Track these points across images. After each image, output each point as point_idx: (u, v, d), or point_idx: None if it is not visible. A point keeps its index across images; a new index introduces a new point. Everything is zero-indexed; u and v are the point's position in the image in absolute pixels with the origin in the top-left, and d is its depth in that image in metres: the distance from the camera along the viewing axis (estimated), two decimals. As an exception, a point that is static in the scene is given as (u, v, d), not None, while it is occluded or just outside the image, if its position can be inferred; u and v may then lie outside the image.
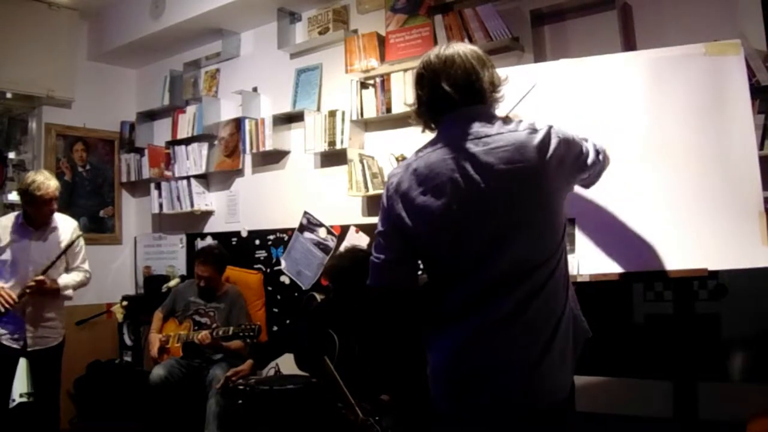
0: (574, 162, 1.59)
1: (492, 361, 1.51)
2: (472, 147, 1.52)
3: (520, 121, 1.56)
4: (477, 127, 1.55)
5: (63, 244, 3.46)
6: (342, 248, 3.85)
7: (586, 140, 1.66)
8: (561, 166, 1.53)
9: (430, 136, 1.67)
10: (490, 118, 1.58)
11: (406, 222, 1.56)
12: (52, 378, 3.52)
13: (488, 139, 1.52)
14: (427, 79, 1.60)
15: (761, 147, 2.51)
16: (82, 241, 3.61)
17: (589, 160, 1.64)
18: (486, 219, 1.50)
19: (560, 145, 1.52)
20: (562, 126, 1.58)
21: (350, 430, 2.66)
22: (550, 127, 1.55)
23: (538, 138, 1.50)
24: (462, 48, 1.60)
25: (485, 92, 1.59)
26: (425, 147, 1.62)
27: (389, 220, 1.61)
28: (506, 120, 1.58)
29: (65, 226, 3.53)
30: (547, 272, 1.51)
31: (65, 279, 3.46)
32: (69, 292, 3.51)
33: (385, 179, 3.71)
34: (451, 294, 1.56)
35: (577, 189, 1.75)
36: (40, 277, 3.30)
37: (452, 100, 1.57)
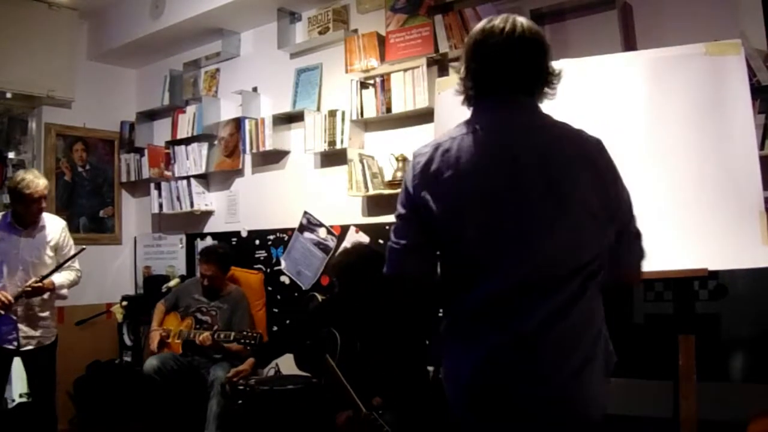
0: (616, 194, 1.50)
1: (528, 370, 1.37)
2: (520, 134, 1.44)
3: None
4: (524, 116, 1.47)
5: (52, 243, 3.48)
6: (348, 244, 3.85)
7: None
8: (605, 183, 1.47)
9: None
10: (536, 110, 1.50)
11: (431, 206, 1.44)
12: (47, 378, 3.53)
13: (537, 128, 1.46)
14: (483, 52, 1.46)
15: (761, 147, 2.50)
16: (71, 241, 3.63)
17: (628, 217, 1.56)
18: (529, 208, 1.39)
19: (611, 163, 1.49)
20: None
21: (353, 425, 2.67)
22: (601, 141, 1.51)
23: (594, 139, 1.48)
24: (528, 25, 1.47)
25: (540, 83, 1.50)
26: (458, 128, 1.50)
27: (412, 202, 1.48)
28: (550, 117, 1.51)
29: (54, 225, 3.55)
30: (590, 276, 1.40)
31: (59, 279, 3.47)
32: (64, 291, 3.54)
33: (386, 178, 3.72)
34: (477, 291, 1.41)
35: None
36: (40, 284, 3.34)
37: (505, 82, 1.46)
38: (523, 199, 1.39)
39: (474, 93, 1.50)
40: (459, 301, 1.46)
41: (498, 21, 1.47)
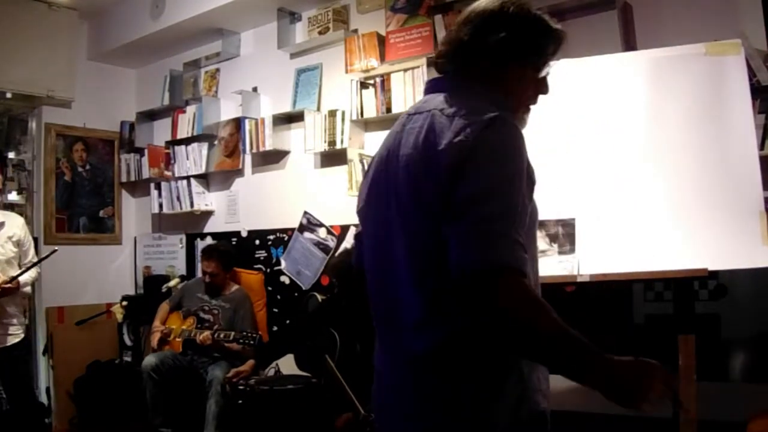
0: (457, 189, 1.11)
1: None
2: (402, 126, 1.27)
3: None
4: (425, 101, 1.26)
5: (15, 239, 3.50)
6: (348, 245, 3.86)
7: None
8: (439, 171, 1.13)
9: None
10: (448, 91, 1.23)
11: None
12: (22, 377, 3.53)
13: (406, 119, 1.27)
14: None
15: (761, 147, 2.50)
16: (30, 237, 3.68)
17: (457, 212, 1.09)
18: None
19: (469, 151, 1.11)
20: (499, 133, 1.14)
21: (353, 427, 2.67)
22: (492, 120, 1.13)
23: (462, 123, 1.14)
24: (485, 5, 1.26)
25: (468, 56, 1.25)
26: None
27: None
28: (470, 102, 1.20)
29: (12, 222, 3.58)
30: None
31: (24, 277, 3.49)
32: (27, 288, 3.56)
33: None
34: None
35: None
36: (8, 285, 3.34)
37: (440, 59, 1.32)
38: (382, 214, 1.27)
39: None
40: None
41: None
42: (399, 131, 1.27)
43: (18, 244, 3.52)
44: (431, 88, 1.31)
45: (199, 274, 4.47)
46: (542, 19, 1.31)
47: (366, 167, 1.49)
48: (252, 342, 3.65)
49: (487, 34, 1.24)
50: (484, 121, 1.12)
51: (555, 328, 1.04)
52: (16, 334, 3.48)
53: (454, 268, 1.06)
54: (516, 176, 1.11)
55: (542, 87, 1.34)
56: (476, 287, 1.04)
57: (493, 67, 1.25)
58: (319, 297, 3.77)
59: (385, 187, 1.24)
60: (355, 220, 4.25)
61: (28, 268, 3.46)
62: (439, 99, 1.22)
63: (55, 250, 3.68)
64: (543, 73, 1.33)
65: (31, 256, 3.62)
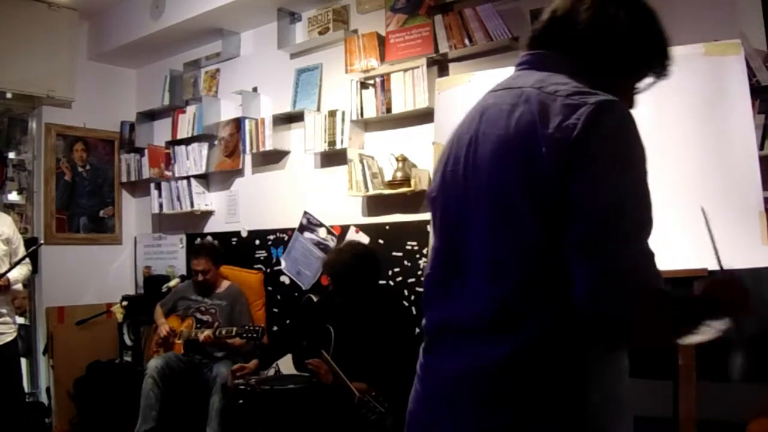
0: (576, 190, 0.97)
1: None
2: (492, 103, 1.13)
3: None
4: (511, 79, 1.16)
5: (3, 237, 3.50)
6: (342, 243, 3.87)
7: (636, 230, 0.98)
8: (550, 160, 0.98)
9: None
10: (550, 68, 1.11)
11: None
12: (12, 377, 3.52)
13: (501, 93, 1.13)
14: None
15: (761, 147, 2.50)
16: (19, 235, 3.68)
17: (582, 231, 0.96)
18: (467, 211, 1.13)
19: (585, 137, 0.97)
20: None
21: (348, 409, 2.71)
22: (601, 104, 0.99)
23: (574, 101, 1.00)
24: None
25: (574, 38, 1.11)
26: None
27: None
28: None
29: (0, 220, 3.57)
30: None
31: (14, 274, 3.48)
32: (18, 286, 3.56)
33: (386, 178, 3.71)
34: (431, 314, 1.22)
35: None
36: (1, 282, 3.34)
37: (536, 36, 1.18)
38: (460, 191, 1.13)
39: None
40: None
41: None
42: (481, 110, 1.14)
43: (7, 242, 3.52)
44: (527, 63, 1.16)
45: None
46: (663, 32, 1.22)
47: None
48: (254, 335, 3.65)
49: (600, 19, 1.11)
50: (599, 102, 0.98)
51: (678, 329, 1.06)
52: (8, 333, 3.48)
53: (581, 303, 0.95)
54: (645, 171, 0.99)
55: (630, 98, 1.19)
56: (606, 321, 0.95)
57: (605, 62, 1.11)
58: (315, 298, 3.77)
59: (463, 171, 1.11)
60: (356, 219, 4.21)
61: (15, 265, 3.45)
62: (536, 76, 1.09)
63: (41, 244, 3.69)
64: (638, 85, 1.20)
65: (21, 254, 3.62)
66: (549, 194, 0.97)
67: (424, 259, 3.61)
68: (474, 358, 1.05)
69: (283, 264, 4.32)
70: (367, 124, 3.92)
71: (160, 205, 4.94)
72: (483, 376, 1.04)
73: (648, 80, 1.17)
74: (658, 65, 1.17)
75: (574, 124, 0.96)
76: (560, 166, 0.96)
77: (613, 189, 0.95)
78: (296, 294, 4.21)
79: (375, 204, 3.85)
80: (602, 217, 0.94)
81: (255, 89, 4.58)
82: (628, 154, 0.98)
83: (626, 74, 1.15)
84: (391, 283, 3.73)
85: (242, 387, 3.38)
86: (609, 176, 0.95)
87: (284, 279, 4.31)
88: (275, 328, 4.30)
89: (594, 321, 0.96)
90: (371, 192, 3.70)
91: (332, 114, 3.93)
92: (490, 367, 1.03)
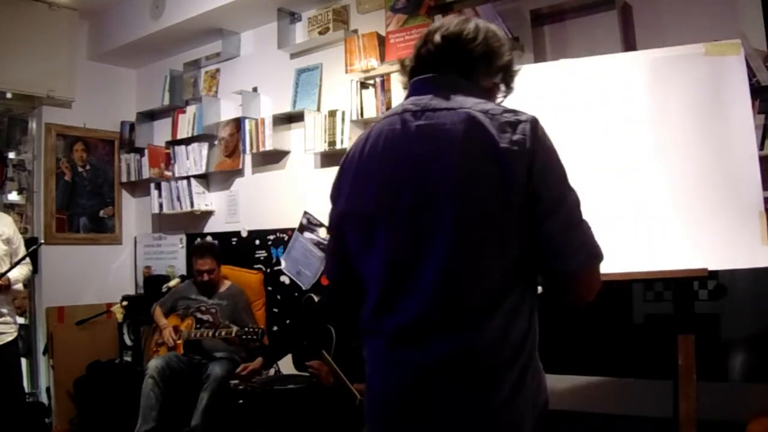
0: (533, 190, 1.21)
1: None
2: (419, 118, 1.28)
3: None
4: (437, 97, 1.30)
5: (4, 237, 3.49)
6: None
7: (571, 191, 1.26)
8: (517, 172, 1.20)
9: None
10: (459, 89, 1.31)
11: (338, 204, 1.43)
12: (12, 377, 3.52)
13: (441, 110, 1.27)
14: (423, 34, 1.39)
15: (761, 147, 2.50)
16: (19, 235, 3.67)
17: (556, 219, 1.22)
18: (418, 219, 1.26)
19: (533, 150, 1.21)
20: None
21: (349, 410, 2.71)
22: (534, 120, 1.25)
23: (515, 119, 1.23)
24: (479, 21, 1.38)
25: (472, 64, 1.33)
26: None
27: (332, 200, 1.47)
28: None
29: (1, 220, 3.56)
30: (501, 295, 1.25)
31: (14, 274, 3.47)
32: (19, 286, 3.54)
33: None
34: (385, 322, 1.32)
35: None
36: (1, 282, 3.34)
37: (433, 60, 1.34)
38: (417, 200, 1.25)
39: (409, 73, 1.41)
40: (368, 318, 1.34)
41: (449, 19, 1.42)
42: (406, 130, 1.29)
43: (8, 242, 3.52)
44: (433, 84, 1.34)
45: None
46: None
47: (342, 167, 1.45)
48: (255, 337, 3.65)
49: (492, 49, 1.35)
50: (531, 119, 1.24)
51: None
52: (8, 333, 3.48)
53: (559, 269, 1.23)
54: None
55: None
56: (576, 281, 1.26)
57: (487, 77, 1.36)
58: (315, 298, 3.78)
59: (412, 186, 1.25)
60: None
61: (15, 264, 3.45)
62: (458, 98, 1.29)
63: (41, 244, 3.68)
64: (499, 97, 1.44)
65: (21, 254, 3.61)
66: (521, 193, 1.19)
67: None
68: (461, 342, 1.22)
69: (283, 264, 4.32)
70: (367, 124, 3.92)
71: (160, 205, 4.94)
72: (480, 350, 1.22)
73: (502, 94, 1.42)
74: (512, 81, 1.42)
75: (522, 139, 1.21)
76: (525, 172, 1.20)
77: (559, 177, 1.25)
78: (296, 294, 4.21)
79: (375, 204, 3.85)
80: (565, 201, 1.23)
81: (255, 89, 4.58)
82: (557, 152, 1.26)
83: (498, 90, 1.40)
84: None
85: (241, 387, 3.39)
86: (556, 169, 1.25)
87: (284, 279, 4.31)
88: (275, 328, 4.31)
89: (574, 281, 1.26)
90: (371, 192, 3.69)
91: (332, 114, 3.93)
92: (482, 343, 1.22)
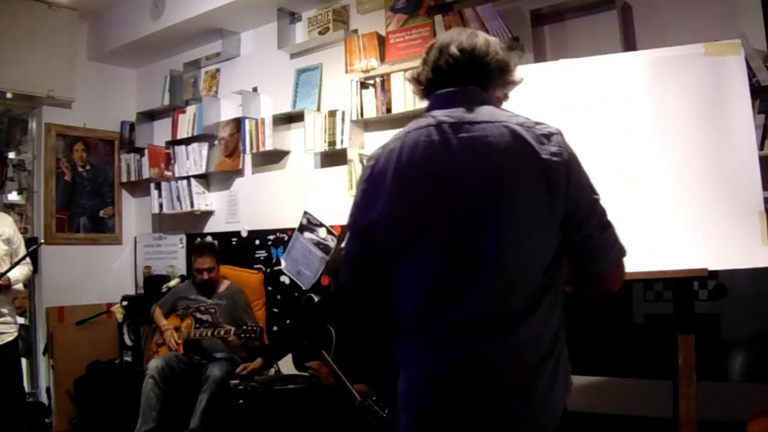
0: (569, 198, 1.33)
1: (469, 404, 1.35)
2: (461, 130, 1.35)
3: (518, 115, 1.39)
4: (470, 109, 1.38)
5: (4, 237, 3.49)
6: (344, 243, 3.86)
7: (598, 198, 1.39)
8: (559, 181, 1.31)
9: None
10: (487, 102, 1.40)
11: (371, 212, 1.43)
12: (12, 377, 3.51)
13: (481, 122, 1.35)
14: (436, 48, 1.45)
15: (761, 147, 2.50)
16: (19, 235, 3.67)
17: (593, 223, 1.36)
18: (478, 221, 1.33)
19: (565, 161, 1.32)
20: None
21: (349, 411, 2.71)
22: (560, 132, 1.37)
23: (548, 131, 1.34)
24: (484, 34, 1.47)
25: (490, 76, 1.42)
26: (408, 126, 1.44)
27: (356, 209, 1.50)
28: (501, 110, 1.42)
29: (1, 220, 3.56)
30: (542, 292, 1.34)
31: (15, 274, 3.46)
32: (19, 286, 3.54)
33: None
34: (430, 323, 1.38)
35: None
36: (1, 281, 3.33)
37: (453, 73, 1.41)
38: (467, 207, 1.32)
39: (425, 87, 1.47)
40: (412, 319, 1.40)
41: (456, 33, 1.48)
42: (446, 141, 1.35)
43: (8, 242, 3.51)
44: (459, 99, 1.41)
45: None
46: None
47: (372, 176, 1.46)
48: (253, 335, 3.65)
49: (503, 63, 1.45)
50: (560, 131, 1.36)
51: None
52: (8, 333, 3.47)
53: (596, 266, 1.38)
54: None
55: None
56: (612, 275, 1.41)
57: (500, 89, 1.47)
58: (315, 298, 3.78)
59: (461, 195, 1.33)
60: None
61: (15, 264, 3.44)
62: (489, 110, 1.38)
63: (41, 243, 3.68)
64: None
65: (22, 254, 3.61)
66: (561, 200, 1.31)
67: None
68: (503, 341, 1.32)
69: (283, 264, 4.32)
70: (367, 124, 3.93)
71: (160, 205, 4.94)
72: (520, 348, 1.31)
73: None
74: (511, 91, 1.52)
75: (560, 151, 1.32)
76: (565, 181, 1.31)
77: (589, 185, 1.39)
78: (296, 294, 4.21)
79: (375, 204, 3.85)
80: (597, 205, 1.37)
81: (255, 89, 4.58)
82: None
83: (503, 101, 1.51)
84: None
85: (241, 387, 3.39)
86: (585, 177, 1.38)
87: (284, 279, 4.31)
88: (275, 328, 4.31)
89: (609, 275, 1.41)
90: (371, 192, 3.69)
91: (332, 114, 3.93)
92: (522, 341, 1.31)
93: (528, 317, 1.30)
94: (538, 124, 1.36)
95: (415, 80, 1.50)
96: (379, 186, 1.42)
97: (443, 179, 1.34)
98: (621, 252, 1.41)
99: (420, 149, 1.37)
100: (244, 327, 3.71)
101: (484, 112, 1.37)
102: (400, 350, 1.43)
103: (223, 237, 4.67)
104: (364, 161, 4.11)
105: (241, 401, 3.40)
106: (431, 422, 1.36)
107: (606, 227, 1.38)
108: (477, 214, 1.31)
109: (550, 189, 1.30)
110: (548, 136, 1.33)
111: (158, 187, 4.96)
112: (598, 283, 1.44)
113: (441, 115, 1.39)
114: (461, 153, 1.34)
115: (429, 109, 1.45)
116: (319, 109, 4.13)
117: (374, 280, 1.47)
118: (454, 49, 1.41)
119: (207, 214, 4.84)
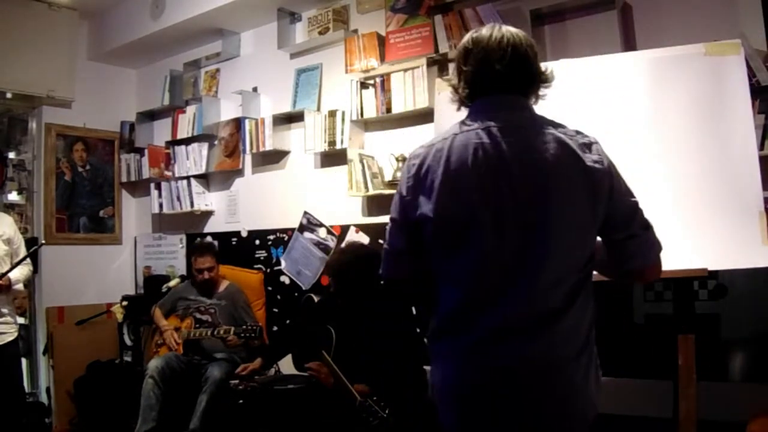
0: (612, 201, 1.44)
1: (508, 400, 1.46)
2: (510, 134, 1.42)
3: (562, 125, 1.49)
4: (515, 115, 1.46)
5: (5, 237, 3.49)
6: (344, 244, 3.87)
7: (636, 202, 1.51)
8: (603, 188, 1.42)
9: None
10: (528, 109, 1.50)
11: (422, 210, 1.47)
12: (12, 377, 3.51)
13: (528, 128, 1.44)
14: (475, 55, 1.48)
15: (761, 147, 2.50)
16: (20, 235, 3.67)
17: (636, 223, 1.48)
18: (524, 220, 1.40)
19: (604, 168, 1.43)
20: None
21: (349, 412, 2.70)
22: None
23: (589, 140, 1.45)
24: (516, 31, 1.50)
25: (533, 83, 1.50)
26: (452, 128, 1.50)
27: (403, 206, 1.52)
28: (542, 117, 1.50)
29: (1, 221, 3.56)
30: (577, 289, 1.43)
31: (15, 274, 3.46)
32: (19, 286, 3.54)
33: (386, 178, 3.72)
34: (475, 326, 1.45)
35: None
36: (2, 282, 3.34)
37: (498, 82, 1.47)
38: (516, 207, 1.39)
39: (468, 94, 1.51)
40: (450, 318, 1.46)
41: (485, 30, 1.51)
42: (496, 144, 1.42)
43: (8, 242, 3.52)
44: (505, 104, 1.48)
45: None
46: None
47: (418, 174, 1.49)
48: (253, 335, 3.65)
49: (538, 68, 1.53)
50: (596, 140, 1.47)
51: None
52: (9, 333, 3.47)
53: (640, 261, 1.48)
54: None
55: None
56: (653, 269, 1.52)
57: (533, 95, 1.54)
58: (315, 298, 3.78)
59: (512, 197, 1.39)
60: (356, 219, 4.19)
61: (16, 264, 3.44)
62: (532, 116, 1.48)
63: (42, 244, 3.68)
64: None
65: (22, 254, 3.61)
66: (605, 205, 1.42)
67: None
68: (542, 339, 1.39)
69: (283, 264, 4.32)
70: (367, 124, 3.93)
71: (160, 205, 4.94)
72: (558, 345, 1.39)
73: None
74: None
75: (601, 159, 1.43)
76: (608, 187, 1.42)
77: (630, 188, 1.49)
78: (296, 294, 4.21)
79: (375, 204, 3.85)
80: (638, 207, 1.48)
81: (255, 89, 4.58)
82: None
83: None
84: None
85: (241, 387, 3.39)
86: (626, 183, 1.49)
87: (284, 279, 4.31)
88: (275, 328, 4.31)
89: (651, 270, 1.52)
90: (371, 192, 3.70)
91: (332, 114, 3.93)
92: (559, 338, 1.40)
93: (566, 313, 1.38)
94: (578, 133, 1.45)
95: (459, 73, 1.53)
96: (426, 183, 1.45)
97: (494, 180, 1.39)
98: (660, 248, 1.51)
99: (470, 149, 1.42)
100: (244, 326, 3.72)
101: (527, 117, 1.47)
102: (436, 348, 1.48)
103: (223, 237, 4.67)
104: (365, 161, 4.08)
105: (241, 401, 3.39)
106: (476, 424, 1.42)
107: (647, 226, 1.48)
108: (526, 215, 1.38)
109: (594, 194, 1.39)
110: (589, 145, 1.43)
111: (158, 187, 4.96)
112: (637, 276, 1.57)
113: (488, 119, 1.45)
114: (511, 155, 1.40)
115: (472, 114, 1.50)
116: (319, 109, 4.13)
117: (418, 274, 1.52)
118: (510, 48, 1.46)
119: (207, 214, 4.84)
